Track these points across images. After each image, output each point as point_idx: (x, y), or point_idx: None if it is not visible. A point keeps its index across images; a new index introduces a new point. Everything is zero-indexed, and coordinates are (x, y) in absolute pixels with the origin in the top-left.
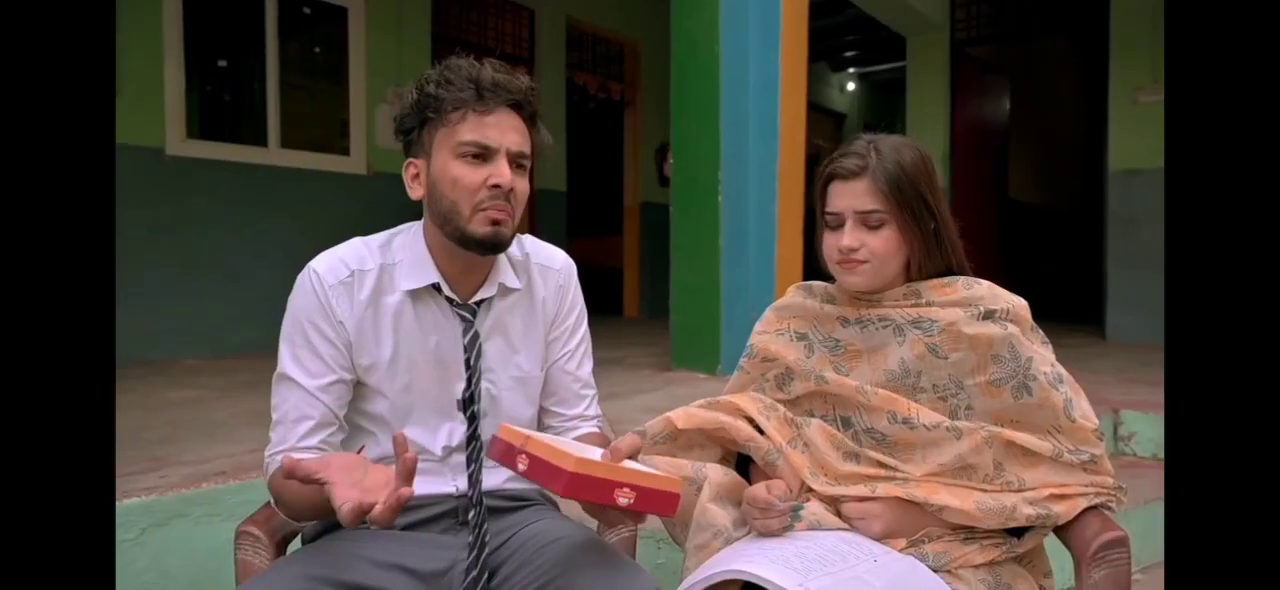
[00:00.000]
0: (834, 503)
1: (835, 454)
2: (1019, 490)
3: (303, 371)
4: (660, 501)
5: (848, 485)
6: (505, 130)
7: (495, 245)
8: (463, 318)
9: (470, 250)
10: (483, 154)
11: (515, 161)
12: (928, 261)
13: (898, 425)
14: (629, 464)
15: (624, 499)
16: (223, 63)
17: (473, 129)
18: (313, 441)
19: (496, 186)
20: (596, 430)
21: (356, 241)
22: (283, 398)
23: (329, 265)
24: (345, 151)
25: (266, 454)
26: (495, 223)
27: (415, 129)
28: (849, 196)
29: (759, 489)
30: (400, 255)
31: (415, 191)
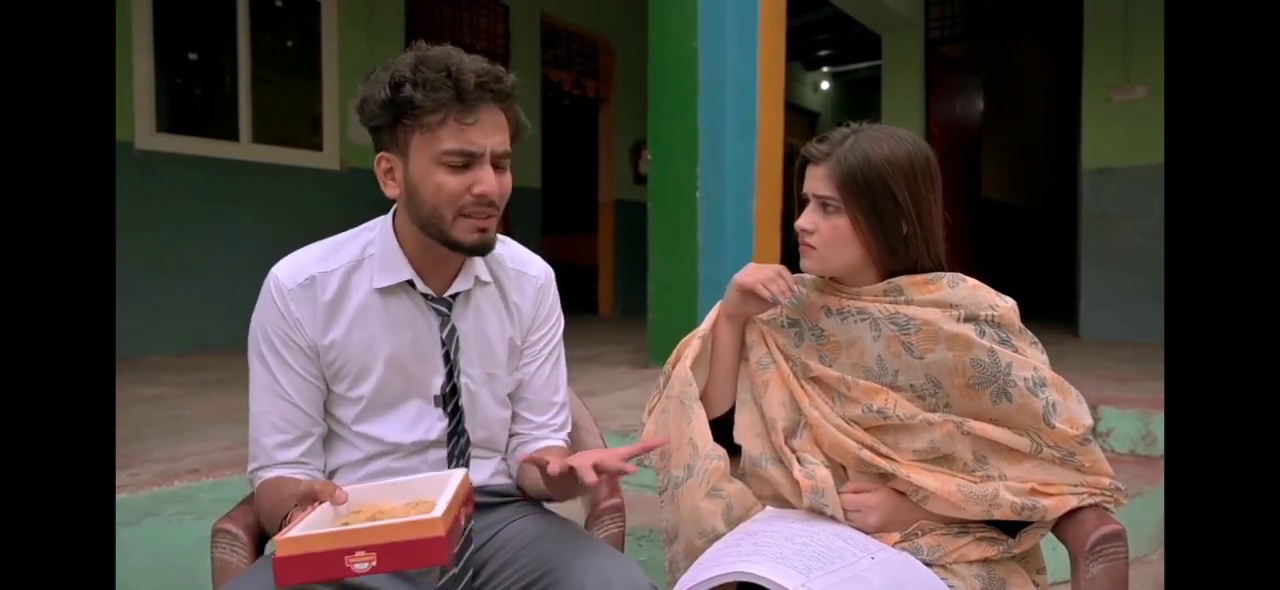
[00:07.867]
0: (836, 459)
1: (832, 411)
2: (1002, 480)
3: (272, 384)
4: (416, 553)
5: (844, 433)
6: (488, 132)
7: (482, 250)
8: (438, 312)
9: (455, 252)
10: (467, 161)
11: (498, 162)
12: (890, 258)
13: (872, 415)
14: (385, 521)
15: (362, 565)
16: (193, 56)
17: (454, 136)
18: (292, 455)
19: (483, 195)
20: (562, 445)
21: (322, 243)
22: (256, 414)
23: (289, 270)
24: (318, 146)
25: (247, 471)
26: (482, 231)
27: (386, 126)
28: (812, 180)
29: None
30: (369, 252)
31: (390, 189)
